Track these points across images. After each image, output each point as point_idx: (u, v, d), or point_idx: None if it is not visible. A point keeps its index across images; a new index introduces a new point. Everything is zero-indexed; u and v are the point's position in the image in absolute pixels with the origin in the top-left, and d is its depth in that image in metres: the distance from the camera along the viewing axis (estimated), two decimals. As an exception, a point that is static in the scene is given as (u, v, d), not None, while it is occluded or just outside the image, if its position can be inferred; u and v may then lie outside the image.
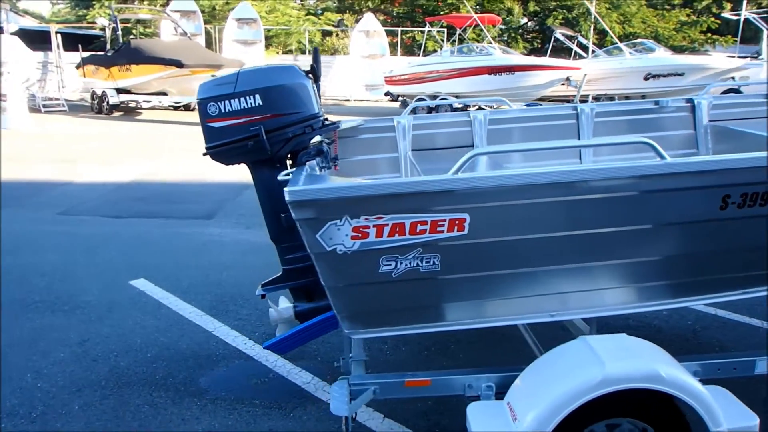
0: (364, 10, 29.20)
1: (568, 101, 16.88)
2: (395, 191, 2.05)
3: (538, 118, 4.04)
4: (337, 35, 28.02)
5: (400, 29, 25.56)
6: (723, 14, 21.55)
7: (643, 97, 16.25)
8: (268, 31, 25.25)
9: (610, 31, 19.50)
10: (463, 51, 17.63)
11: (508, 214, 2.10)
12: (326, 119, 2.97)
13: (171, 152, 10.75)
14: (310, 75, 2.89)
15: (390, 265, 2.13)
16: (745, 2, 23.83)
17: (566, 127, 4.03)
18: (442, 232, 2.08)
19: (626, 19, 24.53)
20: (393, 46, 24.25)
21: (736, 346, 3.65)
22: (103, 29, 19.50)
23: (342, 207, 2.03)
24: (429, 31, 19.89)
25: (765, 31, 18.05)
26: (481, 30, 20.64)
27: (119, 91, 16.59)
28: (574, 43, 18.34)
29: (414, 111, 4.76)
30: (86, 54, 18.86)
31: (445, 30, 23.44)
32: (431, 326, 2.30)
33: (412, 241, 2.08)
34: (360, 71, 23.01)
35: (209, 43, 22.63)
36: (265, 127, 2.71)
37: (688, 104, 4.10)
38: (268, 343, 2.68)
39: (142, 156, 10.30)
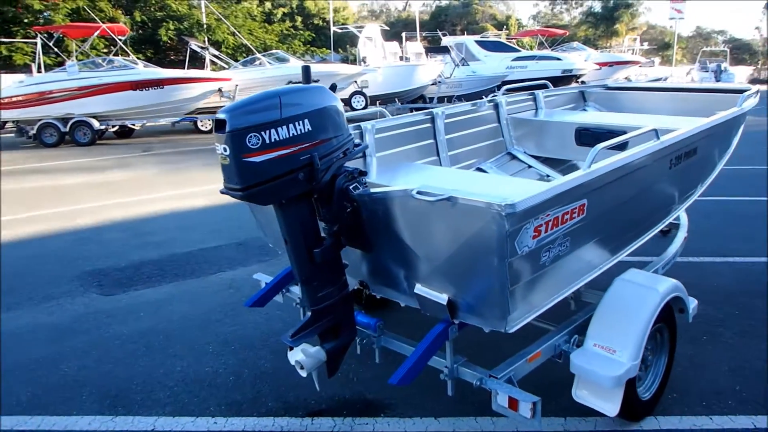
0: None
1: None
2: (567, 188, 2.38)
3: (403, 125, 4.55)
4: None
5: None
6: (334, 29, 25.11)
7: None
8: None
9: (247, 42, 20.60)
10: (96, 65, 16.05)
11: (608, 193, 2.72)
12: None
13: None
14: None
15: (546, 255, 2.45)
16: (332, 19, 28.40)
17: (425, 129, 4.69)
18: (575, 218, 2.52)
19: (233, 32, 26.13)
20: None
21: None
22: None
23: (532, 210, 2.25)
24: (44, 44, 17.19)
25: (360, 41, 21.92)
26: (82, 42, 18.83)
27: None
28: (207, 53, 18.70)
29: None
30: None
31: (38, 41, 20.53)
32: (555, 298, 2.69)
33: (561, 230, 2.46)
34: None
35: None
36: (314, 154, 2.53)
37: (492, 104, 5.27)
38: (397, 379, 2.53)
39: None
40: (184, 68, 17.88)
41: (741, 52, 60.51)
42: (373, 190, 2.62)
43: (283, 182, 2.46)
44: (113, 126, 16.47)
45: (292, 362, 2.85)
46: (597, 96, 6.18)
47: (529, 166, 5.19)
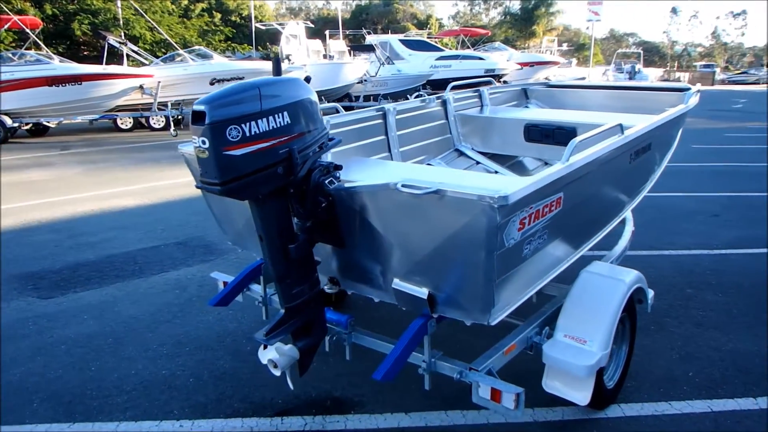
0: None
1: (145, 110, 16.60)
2: (551, 180, 2.45)
3: (357, 121, 4.57)
4: None
5: None
6: (258, 25, 24.61)
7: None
8: None
9: (167, 37, 19.87)
10: (6, 60, 15.02)
11: (580, 187, 2.83)
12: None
13: None
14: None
15: (527, 248, 2.51)
16: (253, 16, 27.91)
17: (377, 126, 4.74)
18: (553, 210, 2.60)
19: (152, 27, 25.13)
20: None
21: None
22: None
23: (520, 203, 2.27)
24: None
25: (282, 38, 21.66)
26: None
27: None
28: (126, 48, 17.88)
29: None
30: None
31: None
32: (530, 290, 2.77)
33: (542, 222, 2.53)
34: None
35: None
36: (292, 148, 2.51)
37: (440, 101, 5.39)
38: (381, 374, 2.52)
39: None
40: (99, 64, 17.05)
41: (651, 54, 64.52)
42: (349, 184, 2.58)
43: (263, 176, 2.39)
44: (27, 123, 15.49)
45: (264, 361, 2.77)
46: (538, 93, 6.44)
47: (477, 162, 5.35)
